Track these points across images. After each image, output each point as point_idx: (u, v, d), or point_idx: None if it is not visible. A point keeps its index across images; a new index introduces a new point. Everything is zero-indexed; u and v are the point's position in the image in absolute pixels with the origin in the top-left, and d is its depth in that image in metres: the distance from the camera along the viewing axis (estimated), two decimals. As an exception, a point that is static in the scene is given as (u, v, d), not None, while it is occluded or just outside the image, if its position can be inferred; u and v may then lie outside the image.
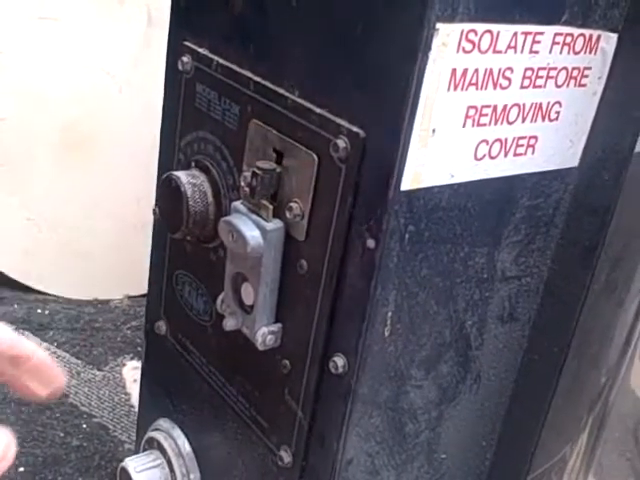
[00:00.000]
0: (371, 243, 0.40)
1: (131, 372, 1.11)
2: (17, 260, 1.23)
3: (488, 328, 0.49)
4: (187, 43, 0.52)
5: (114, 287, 1.28)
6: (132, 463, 0.59)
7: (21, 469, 0.89)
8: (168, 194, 0.50)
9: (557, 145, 0.45)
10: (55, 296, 1.26)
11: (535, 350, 0.52)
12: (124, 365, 1.13)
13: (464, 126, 0.40)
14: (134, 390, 1.07)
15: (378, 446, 0.47)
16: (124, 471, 0.59)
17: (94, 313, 1.24)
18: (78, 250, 1.25)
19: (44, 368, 0.42)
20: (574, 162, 0.47)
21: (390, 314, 0.42)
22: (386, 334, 0.43)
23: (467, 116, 0.40)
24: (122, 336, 1.19)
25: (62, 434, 0.97)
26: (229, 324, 0.47)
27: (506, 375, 0.52)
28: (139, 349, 1.16)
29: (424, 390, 0.47)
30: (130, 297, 1.28)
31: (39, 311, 1.22)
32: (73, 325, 1.20)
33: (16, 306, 1.21)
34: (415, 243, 0.41)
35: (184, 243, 0.54)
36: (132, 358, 1.14)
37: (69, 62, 1.16)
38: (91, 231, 1.25)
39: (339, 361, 0.43)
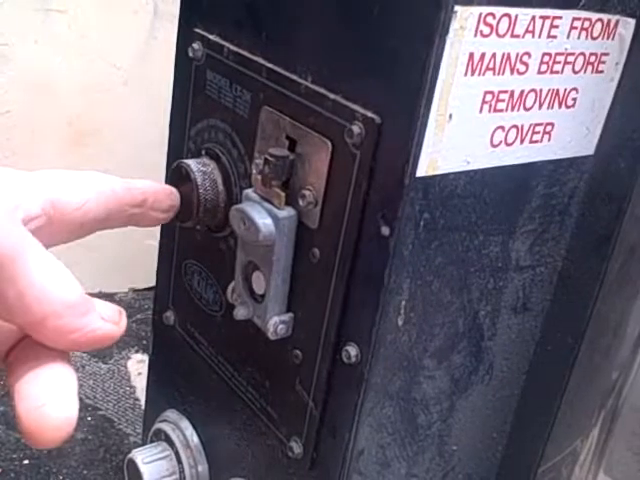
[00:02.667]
0: (385, 230, 0.40)
1: (136, 365, 1.10)
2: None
3: (501, 318, 0.48)
4: (198, 30, 0.51)
5: (119, 280, 1.27)
6: (139, 455, 0.58)
7: (25, 462, 0.89)
8: (178, 183, 0.50)
9: (573, 132, 0.45)
10: (60, 289, 1.25)
11: (548, 341, 0.51)
12: (129, 358, 1.12)
13: (481, 112, 0.40)
14: (139, 383, 1.07)
15: (390, 437, 0.46)
16: (131, 462, 0.58)
17: (99, 306, 1.23)
18: (83, 243, 1.24)
19: (161, 197, 0.44)
20: (590, 150, 0.46)
21: (404, 303, 0.42)
22: (400, 323, 0.42)
23: (484, 101, 0.39)
24: (127, 329, 1.18)
25: (67, 427, 0.96)
26: (240, 313, 0.47)
27: (518, 366, 0.52)
28: (144, 342, 1.15)
29: (436, 381, 0.47)
30: (135, 290, 1.28)
31: (44, 304, 1.21)
32: (78, 318, 1.20)
33: (21, 299, 1.21)
34: (430, 231, 0.41)
35: (193, 232, 0.54)
36: (137, 351, 1.13)
37: (75, 55, 1.16)
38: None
39: (352, 350, 0.42)
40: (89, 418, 1.00)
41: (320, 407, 0.45)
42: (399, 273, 0.41)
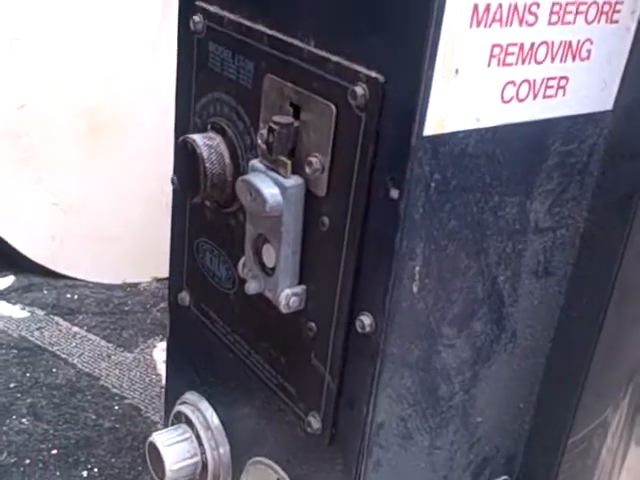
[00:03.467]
0: (395, 193, 0.38)
1: (161, 353, 1.10)
2: (44, 246, 1.23)
3: (522, 283, 0.47)
4: (198, 2, 0.50)
5: (142, 270, 1.27)
6: (160, 437, 0.58)
7: (54, 451, 0.89)
8: (184, 158, 0.49)
9: (589, 86, 0.43)
10: (84, 281, 1.25)
11: (573, 307, 0.49)
12: (154, 347, 1.12)
13: (489, 66, 0.38)
14: (165, 371, 1.07)
15: (410, 409, 0.45)
16: (152, 446, 0.58)
17: (123, 296, 1.24)
18: (105, 234, 1.25)
19: None
20: (608, 104, 0.44)
21: (418, 268, 0.40)
22: (414, 290, 0.41)
23: (492, 55, 0.38)
24: (152, 318, 1.19)
25: (94, 416, 0.96)
26: (251, 287, 0.46)
27: (543, 334, 0.50)
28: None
29: (457, 349, 0.45)
30: (159, 279, 1.27)
31: (68, 296, 1.21)
32: (102, 309, 1.20)
33: (45, 292, 1.21)
34: (441, 192, 0.39)
35: (203, 210, 0.53)
36: (162, 340, 1.13)
37: (88, 45, 1.15)
38: (117, 214, 1.25)
39: (366, 320, 0.41)
40: (116, 407, 1.00)
41: (337, 380, 0.44)
42: (411, 237, 0.39)
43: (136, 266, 1.27)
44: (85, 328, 1.15)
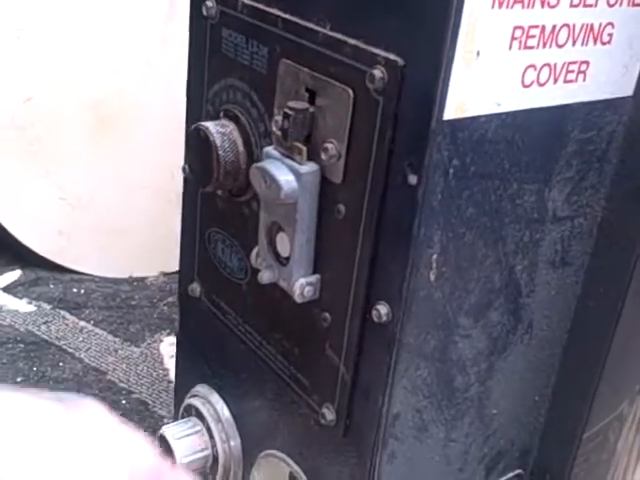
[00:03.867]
0: (413, 179, 0.37)
1: (168, 348, 1.09)
2: (51, 240, 1.22)
3: (539, 273, 0.46)
4: (211, -13, 0.49)
5: (150, 264, 1.26)
6: (170, 430, 0.57)
7: (62, 446, 0.88)
8: (197, 146, 0.48)
9: (610, 71, 0.42)
10: (91, 275, 1.25)
11: (590, 297, 0.49)
12: (161, 341, 1.11)
13: (510, 48, 0.37)
14: (172, 365, 1.06)
15: (426, 400, 0.44)
16: (162, 439, 0.57)
17: (130, 291, 1.23)
18: (112, 228, 1.24)
19: None
20: (629, 90, 0.44)
21: (435, 256, 0.40)
22: (432, 278, 0.40)
23: (513, 37, 0.37)
24: (159, 312, 1.18)
25: (102, 411, 0.96)
26: (265, 277, 0.45)
27: (559, 324, 0.49)
28: (176, 325, 1.15)
29: (473, 340, 0.44)
30: (166, 274, 1.27)
31: (75, 290, 1.21)
32: (109, 303, 1.19)
33: (52, 286, 1.21)
34: (460, 179, 0.38)
35: (215, 199, 0.52)
36: (169, 334, 1.12)
37: (95, 37, 1.15)
38: (125, 208, 1.24)
39: (382, 309, 0.40)
40: (123, 402, 0.99)
41: (352, 371, 0.43)
42: (429, 225, 0.38)
43: (143, 260, 1.26)
44: (92, 322, 1.14)
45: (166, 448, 0.56)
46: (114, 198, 1.23)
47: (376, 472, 0.44)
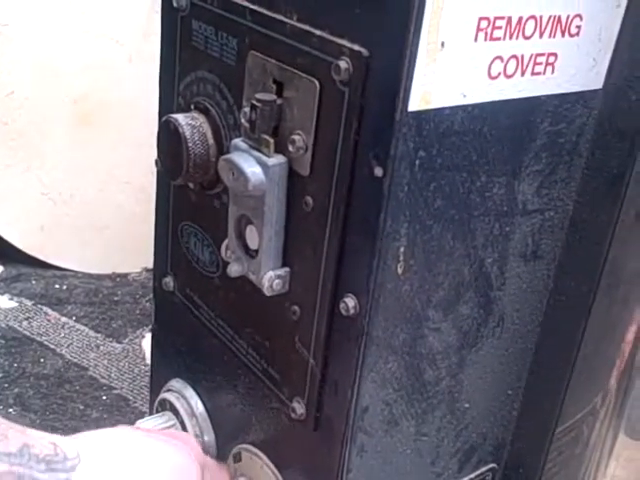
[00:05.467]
0: (379, 171, 0.37)
1: (150, 344, 1.09)
2: (34, 236, 1.22)
3: (510, 266, 0.46)
4: (181, -21, 0.49)
5: (132, 260, 1.26)
6: (144, 425, 0.57)
7: (40, 442, 0.87)
8: (167, 138, 0.48)
9: (579, 64, 0.42)
10: (73, 271, 1.24)
11: (561, 290, 0.49)
12: (143, 337, 1.11)
13: (476, 40, 0.37)
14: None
15: (396, 394, 0.44)
16: (136, 433, 0.57)
17: (113, 287, 1.23)
18: (95, 224, 1.24)
19: None
20: (598, 83, 0.44)
21: (403, 249, 0.39)
22: (399, 271, 0.40)
23: (479, 28, 0.37)
24: (141, 309, 1.18)
25: (82, 406, 0.95)
26: (234, 270, 0.45)
27: (531, 318, 0.49)
28: (157, 320, 1.14)
29: (443, 333, 0.44)
30: (149, 270, 1.26)
31: (57, 286, 1.20)
32: (92, 299, 1.19)
33: (34, 282, 1.20)
34: (427, 170, 0.38)
35: (187, 193, 0.52)
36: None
37: (77, 32, 1.14)
38: (107, 204, 1.24)
39: (350, 302, 0.40)
40: (104, 397, 0.99)
41: (321, 364, 0.43)
42: (396, 217, 0.38)
43: (126, 256, 1.26)
44: (74, 318, 1.14)
45: (139, 443, 0.56)
46: (96, 194, 1.22)
47: (346, 466, 0.44)
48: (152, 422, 0.57)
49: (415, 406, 0.46)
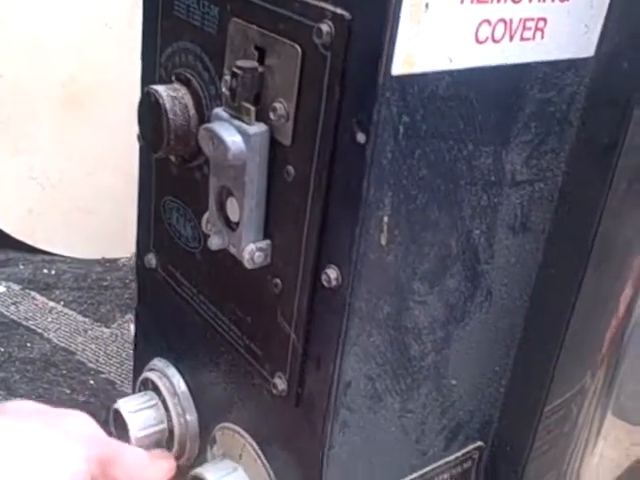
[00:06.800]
0: (361, 137, 0.36)
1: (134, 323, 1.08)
2: (22, 220, 1.20)
3: (498, 239, 0.45)
4: (162, -54, 0.47)
5: (122, 245, 1.24)
6: (125, 404, 0.56)
7: (27, 426, 0.86)
8: (147, 110, 0.47)
9: (570, 30, 0.41)
10: (62, 256, 1.23)
11: (551, 264, 0.48)
12: (132, 321, 1.10)
13: (462, 2, 0.36)
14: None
15: (380, 368, 0.43)
16: (117, 413, 0.56)
17: (102, 272, 1.21)
18: (84, 208, 1.22)
19: None
20: (590, 51, 0.42)
21: (386, 219, 0.38)
22: (383, 242, 0.39)
23: (465, -10, 0.36)
24: (130, 293, 1.16)
25: (68, 391, 0.94)
26: (214, 243, 0.43)
27: (520, 293, 0.48)
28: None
29: (429, 307, 0.43)
30: (138, 255, 1.25)
31: (45, 271, 1.19)
32: (80, 284, 1.17)
33: (22, 267, 1.19)
34: (411, 137, 0.37)
35: (169, 167, 0.51)
36: (140, 314, 1.11)
37: (65, 14, 1.12)
38: (96, 188, 1.22)
39: (332, 273, 0.39)
40: (91, 382, 0.97)
41: (302, 338, 0.42)
42: (379, 185, 0.37)
43: (116, 241, 1.24)
44: (62, 303, 1.13)
45: (120, 422, 0.55)
46: (85, 178, 1.21)
47: (328, 442, 0.43)
48: (133, 402, 0.56)
49: (400, 382, 0.45)
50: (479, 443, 0.52)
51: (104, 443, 0.41)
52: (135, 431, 0.54)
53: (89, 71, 1.16)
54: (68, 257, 1.23)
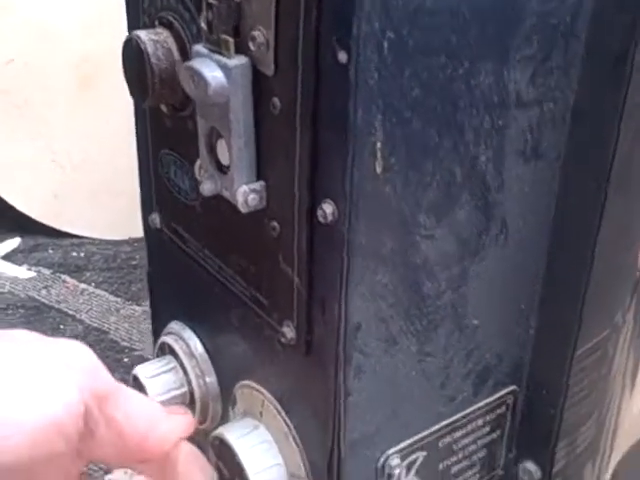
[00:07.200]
0: (343, 56, 0.34)
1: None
2: (48, 205, 1.20)
3: (508, 166, 0.42)
4: None
5: (149, 223, 1.24)
6: (143, 370, 0.54)
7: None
8: (130, 57, 0.45)
9: None
10: (90, 238, 1.23)
11: (569, 192, 0.44)
12: (162, 297, 1.09)
13: None
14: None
15: (391, 309, 0.41)
16: (135, 379, 0.54)
17: (131, 251, 1.21)
18: (108, 189, 1.21)
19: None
20: (591, -48, 0.39)
21: (380, 145, 0.36)
22: (378, 170, 0.36)
23: None
24: (159, 270, 1.15)
25: (103, 369, 0.94)
26: (206, 189, 0.42)
27: (538, 224, 0.45)
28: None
29: (438, 241, 0.41)
30: (166, 231, 1.24)
31: (75, 254, 1.19)
32: (110, 265, 1.17)
33: (51, 251, 1.19)
34: (398, 54, 0.34)
35: (162, 119, 0.49)
36: (171, 290, 1.10)
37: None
38: (119, 167, 1.21)
39: (327, 208, 0.37)
40: (126, 359, 0.97)
41: (306, 282, 0.40)
42: (367, 108, 0.35)
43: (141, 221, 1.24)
44: (93, 284, 1.13)
45: (139, 387, 0.54)
46: (107, 158, 1.20)
47: (343, 390, 0.41)
48: (151, 366, 0.55)
49: (415, 322, 0.42)
50: (512, 387, 0.50)
51: (102, 377, 0.38)
52: (154, 395, 0.53)
53: (101, 50, 1.15)
54: (96, 239, 1.23)
